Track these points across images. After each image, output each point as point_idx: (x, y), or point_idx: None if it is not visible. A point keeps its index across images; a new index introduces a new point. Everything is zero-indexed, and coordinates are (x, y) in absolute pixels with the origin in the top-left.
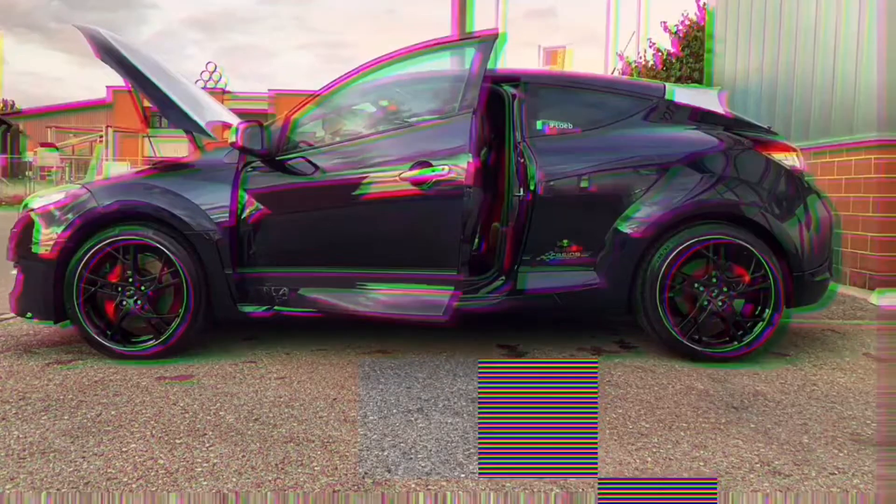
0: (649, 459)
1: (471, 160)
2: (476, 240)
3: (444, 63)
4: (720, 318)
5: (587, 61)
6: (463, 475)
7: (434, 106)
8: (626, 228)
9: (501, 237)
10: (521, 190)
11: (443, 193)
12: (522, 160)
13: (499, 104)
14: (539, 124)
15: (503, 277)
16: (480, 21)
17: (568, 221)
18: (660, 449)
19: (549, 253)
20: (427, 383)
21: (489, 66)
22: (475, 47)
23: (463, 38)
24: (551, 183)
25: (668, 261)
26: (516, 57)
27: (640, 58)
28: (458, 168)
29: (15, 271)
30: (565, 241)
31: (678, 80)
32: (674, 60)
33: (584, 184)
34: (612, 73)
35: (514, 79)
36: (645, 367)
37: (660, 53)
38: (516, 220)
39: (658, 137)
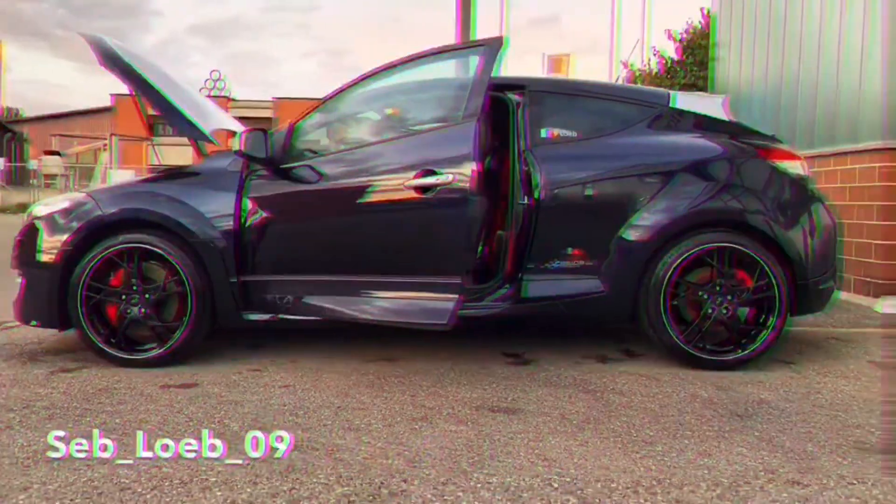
0: (654, 467)
1: (475, 167)
2: (480, 247)
3: (448, 70)
4: (724, 326)
5: (591, 69)
6: (479, 485)
7: (438, 113)
8: (631, 236)
9: (505, 244)
10: (526, 198)
11: (447, 200)
12: (526, 168)
13: (503, 111)
14: (543, 132)
15: (507, 285)
16: (484, 28)
17: (572, 229)
18: (665, 457)
19: (554, 260)
20: (432, 391)
21: (493, 73)
22: (479, 54)
23: (467, 44)
24: (555, 191)
25: (672, 268)
26: (520, 64)
27: (645, 65)
28: (463, 175)
29: (19, 279)
30: (569, 249)
31: (682, 87)
32: (678, 68)
33: (588, 191)
34: (617, 80)
35: (518, 86)
36: (650, 376)
37: (664, 61)
38: (521, 227)
39: (662, 145)
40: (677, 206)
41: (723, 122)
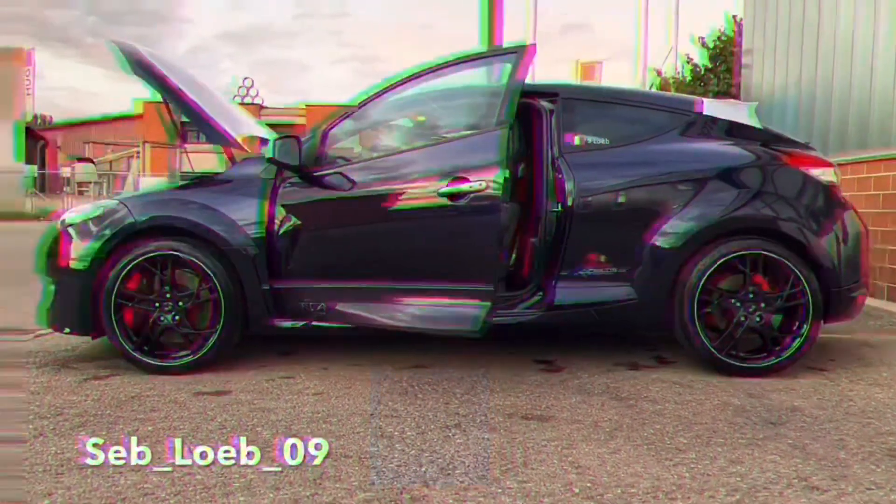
0: (686, 475)
1: (507, 175)
2: (512, 255)
3: (479, 76)
4: (757, 334)
5: (622, 75)
6: (499, 490)
7: (470, 120)
8: (663, 243)
9: (538, 252)
10: (559, 205)
11: (479, 208)
12: (560, 175)
13: (535, 118)
14: (576, 139)
15: (539, 292)
16: (514, 36)
17: (605, 236)
18: (697, 464)
19: (587, 268)
20: (465, 399)
21: (525, 79)
22: (511, 61)
23: (499, 51)
24: (588, 198)
25: (705, 276)
26: (552, 71)
27: (678, 73)
28: (495, 183)
29: (52, 286)
30: (602, 256)
31: (715, 94)
32: (711, 76)
33: (621, 199)
34: (649, 87)
35: (550, 93)
36: (682, 383)
37: (698, 69)
38: (553, 234)
39: (695, 152)
40: (710, 214)
41: (755, 129)
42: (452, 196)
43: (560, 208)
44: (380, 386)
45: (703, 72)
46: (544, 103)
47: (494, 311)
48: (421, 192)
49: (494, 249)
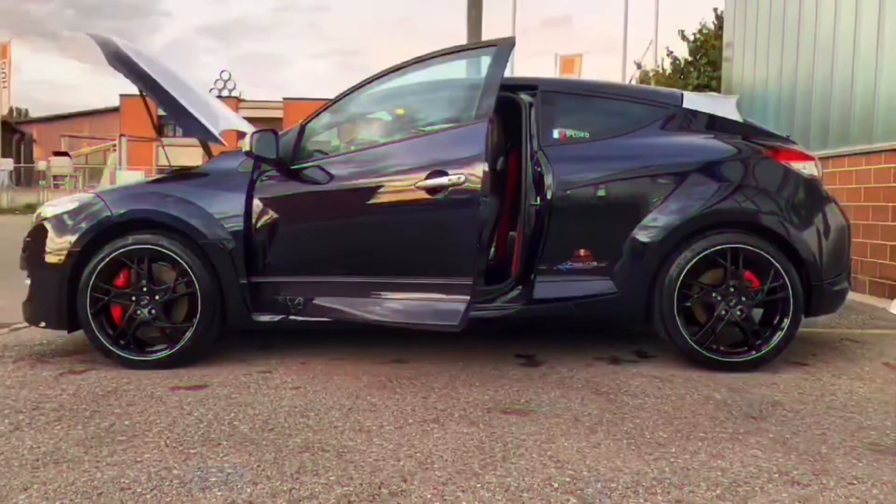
0: (667, 469)
1: (486, 168)
2: (492, 248)
3: (459, 70)
4: (738, 328)
5: (603, 69)
6: (479, 485)
7: (449, 114)
8: (643, 237)
9: (517, 245)
10: (538, 198)
11: (458, 202)
12: (539, 168)
13: (514, 112)
14: (555, 132)
15: (519, 286)
16: (495, 29)
17: (584, 230)
18: (678, 459)
19: (566, 262)
20: (443, 393)
21: (504, 73)
22: (491, 55)
23: (478, 45)
24: (568, 192)
25: (685, 270)
26: (532, 65)
27: (658, 66)
28: (474, 176)
29: (28, 280)
30: (581, 250)
31: (695, 88)
32: (691, 69)
33: (600, 192)
34: (630, 81)
35: (530, 87)
36: (662, 377)
37: (677, 62)
38: (532, 228)
39: (675, 146)
40: (690, 207)
41: (736, 122)
42: (430, 190)
43: (539, 202)
44: (358, 380)
45: (682, 65)
46: (524, 97)
47: (474, 304)
48: (400, 185)
49: (473, 243)
